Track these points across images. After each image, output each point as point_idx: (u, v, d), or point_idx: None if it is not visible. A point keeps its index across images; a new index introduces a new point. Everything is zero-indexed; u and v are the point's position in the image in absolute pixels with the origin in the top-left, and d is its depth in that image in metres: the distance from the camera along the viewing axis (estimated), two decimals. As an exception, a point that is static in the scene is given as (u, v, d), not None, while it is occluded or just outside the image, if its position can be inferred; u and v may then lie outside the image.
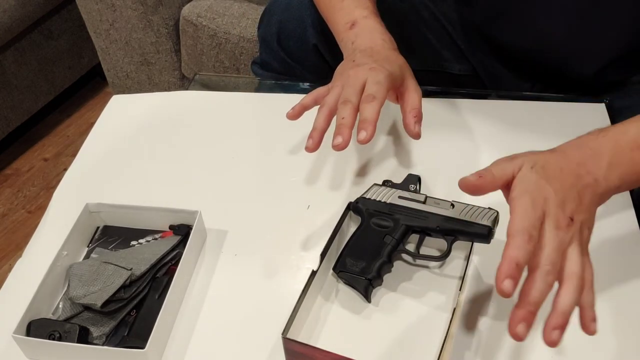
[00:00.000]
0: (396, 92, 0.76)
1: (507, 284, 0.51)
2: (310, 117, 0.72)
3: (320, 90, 0.77)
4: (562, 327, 0.52)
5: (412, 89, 0.75)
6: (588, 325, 0.55)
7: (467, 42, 0.96)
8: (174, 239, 0.73)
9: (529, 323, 0.51)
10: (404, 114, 0.74)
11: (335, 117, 0.70)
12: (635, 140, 0.64)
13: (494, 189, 0.61)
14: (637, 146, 0.64)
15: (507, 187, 0.60)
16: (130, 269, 0.68)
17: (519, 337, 0.51)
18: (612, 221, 0.73)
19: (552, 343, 0.51)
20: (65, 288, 0.70)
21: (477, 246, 0.70)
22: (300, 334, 0.65)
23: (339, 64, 0.79)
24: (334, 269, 0.68)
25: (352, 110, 0.68)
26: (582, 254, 0.56)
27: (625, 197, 0.75)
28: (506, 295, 0.51)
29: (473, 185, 0.60)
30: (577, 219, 0.57)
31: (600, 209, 0.74)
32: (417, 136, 0.73)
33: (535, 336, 0.63)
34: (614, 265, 0.69)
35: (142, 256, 0.71)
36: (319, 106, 0.73)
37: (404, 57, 0.78)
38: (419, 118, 0.73)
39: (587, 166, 0.61)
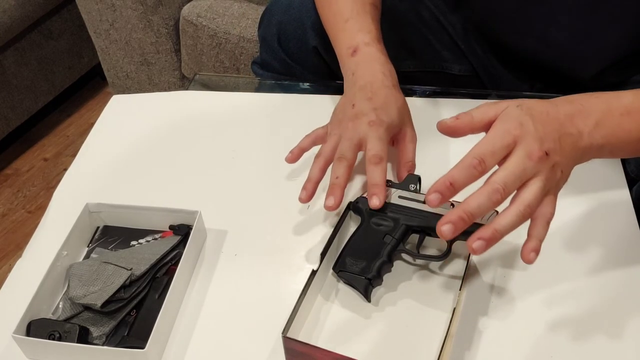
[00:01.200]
0: (393, 138, 0.77)
1: (433, 197, 0.54)
2: (299, 126, 0.73)
3: (318, 132, 0.78)
4: (487, 240, 0.53)
5: (409, 138, 0.77)
6: (527, 254, 0.55)
7: (467, 42, 0.96)
8: (174, 239, 0.73)
9: (457, 228, 0.53)
10: (399, 165, 0.76)
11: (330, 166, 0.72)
12: (626, 106, 0.64)
13: (472, 132, 0.61)
14: (628, 112, 0.64)
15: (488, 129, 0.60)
16: (130, 269, 0.68)
17: (443, 234, 0.53)
18: (612, 221, 0.73)
19: (472, 249, 0.53)
20: (65, 288, 0.70)
21: (477, 246, 0.70)
22: (300, 334, 0.65)
23: (340, 69, 0.78)
24: (334, 268, 0.69)
25: (347, 168, 0.70)
26: (546, 191, 0.56)
27: (625, 197, 0.75)
28: (430, 204, 0.54)
29: (448, 127, 0.61)
30: (553, 157, 0.57)
31: (600, 209, 0.75)
32: None
33: (536, 336, 0.64)
34: (614, 265, 0.69)
35: (142, 256, 0.71)
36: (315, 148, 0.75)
37: (402, 93, 0.78)
38: (412, 171, 0.75)
39: (574, 119, 0.61)
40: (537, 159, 0.56)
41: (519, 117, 0.58)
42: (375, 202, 0.68)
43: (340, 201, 0.69)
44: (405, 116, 0.77)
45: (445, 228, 0.53)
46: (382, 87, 0.76)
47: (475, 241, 0.53)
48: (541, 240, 0.56)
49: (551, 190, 0.58)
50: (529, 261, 0.55)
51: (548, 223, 0.57)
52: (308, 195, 0.71)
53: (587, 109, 0.63)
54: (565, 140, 0.59)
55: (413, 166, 0.76)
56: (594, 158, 0.65)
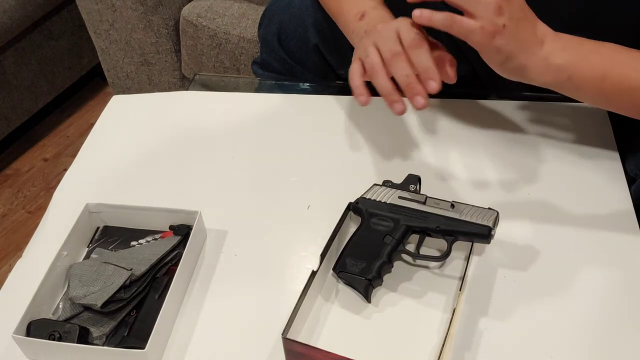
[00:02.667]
0: None
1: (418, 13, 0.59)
2: (299, 126, 0.72)
3: (355, 68, 0.70)
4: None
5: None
6: (416, 99, 0.62)
7: (467, 42, 0.96)
8: (174, 239, 0.73)
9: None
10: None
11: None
12: (599, 46, 0.68)
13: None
14: (597, 51, 0.67)
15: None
16: (130, 269, 0.68)
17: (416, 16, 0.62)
18: (612, 221, 0.73)
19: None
20: (65, 288, 0.70)
21: (477, 246, 0.70)
22: (300, 334, 0.65)
23: (341, 67, 0.78)
24: (334, 269, 0.68)
25: (407, 62, 0.65)
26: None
27: (625, 197, 0.75)
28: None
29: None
30: (506, 12, 0.62)
31: (600, 209, 0.75)
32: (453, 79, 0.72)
33: (536, 336, 0.64)
34: (614, 265, 0.69)
35: (142, 256, 0.71)
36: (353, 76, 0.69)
37: None
38: (453, 63, 0.72)
39: (546, 36, 0.66)
40: (493, 11, 0.61)
41: None
42: (432, 86, 0.64)
43: (426, 94, 0.64)
44: None
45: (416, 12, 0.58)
46: None
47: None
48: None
49: (482, 12, 0.62)
50: (421, 105, 0.62)
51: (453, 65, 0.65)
52: (398, 104, 0.66)
53: (561, 36, 0.66)
54: (525, 25, 0.64)
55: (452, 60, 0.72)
56: (550, 84, 0.68)
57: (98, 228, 0.77)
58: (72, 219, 0.73)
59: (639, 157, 0.79)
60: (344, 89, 0.95)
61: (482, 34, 0.63)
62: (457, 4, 0.62)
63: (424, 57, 0.65)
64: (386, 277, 0.68)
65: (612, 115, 0.85)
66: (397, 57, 0.66)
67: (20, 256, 0.76)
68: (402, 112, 0.66)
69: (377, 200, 0.71)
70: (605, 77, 0.67)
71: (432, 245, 0.72)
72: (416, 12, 0.64)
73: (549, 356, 0.62)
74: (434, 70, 0.65)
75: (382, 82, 0.66)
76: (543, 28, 0.67)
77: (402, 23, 0.69)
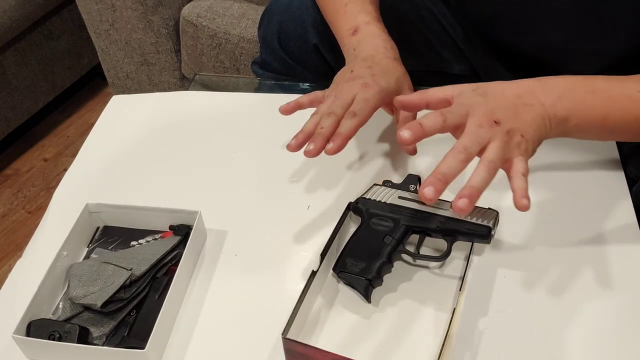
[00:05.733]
0: (390, 105, 0.77)
1: (427, 190, 0.57)
2: (299, 126, 0.72)
3: (317, 93, 0.77)
4: (469, 197, 0.57)
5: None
6: (519, 200, 0.58)
7: (467, 42, 0.96)
8: (174, 239, 0.73)
9: (437, 189, 0.57)
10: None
11: None
12: (592, 85, 0.68)
13: (426, 107, 0.68)
14: (593, 91, 0.67)
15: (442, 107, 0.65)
16: (130, 269, 0.68)
17: (425, 198, 0.57)
18: (612, 221, 0.73)
19: (458, 209, 0.56)
20: (65, 288, 0.70)
21: (477, 246, 0.70)
22: (300, 334, 0.65)
23: (341, 67, 0.79)
24: (334, 269, 0.68)
25: (334, 122, 0.69)
26: (508, 152, 0.61)
27: (625, 198, 0.75)
28: (424, 197, 0.57)
29: (401, 102, 0.69)
30: (505, 124, 0.61)
31: (600, 209, 0.75)
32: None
33: (536, 336, 0.64)
34: (614, 266, 0.69)
35: (142, 256, 0.71)
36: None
37: (403, 65, 0.79)
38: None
39: (536, 92, 0.65)
40: (487, 127, 0.61)
41: (471, 98, 0.63)
42: (329, 146, 0.67)
43: (321, 149, 0.68)
44: (404, 83, 0.77)
45: (427, 190, 0.57)
46: (383, 58, 0.77)
47: (458, 200, 0.57)
48: (525, 190, 0.59)
49: (514, 151, 0.61)
50: (524, 206, 0.58)
51: (525, 176, 0.60)
52: (298, 143, 0.70)
53: (551, 85, 0.66)
54: (522, 110, 0.63)
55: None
56: (564, 134, 0.68)
57: (98, 228, 0.77)
58: (72, 219, 0.73)
59: (639, 159, 0.79)
60: (344, 89, 0.95)
61: (502, 151, 0.61)
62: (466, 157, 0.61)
63: (345, 126, 0.69)
64: (386, 277, 0.68)
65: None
66: (330, 116, 0.70)
67: (20, 256, 0.76)
68: (292, 149, 0.70)
69: (377, 200, 0.71)
70: (608, 115, 0.67)
71: (432, 245, 0.72)
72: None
73: (549, 356, 0.62)
74: (342, 138, 0.67)
75: (309, 123, 0.71)
76: (526, 86, 0.66)
77: (362, 93, 0.72)
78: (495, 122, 0.61)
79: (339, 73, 0.78)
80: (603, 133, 0.70)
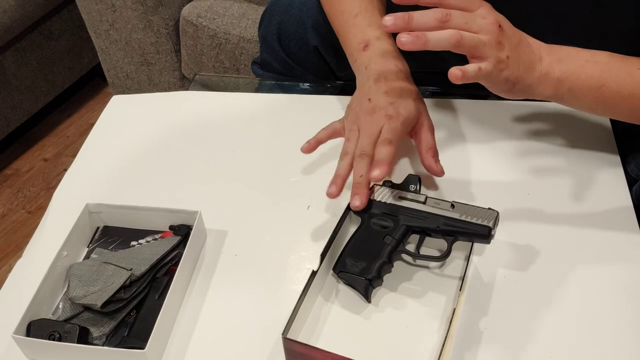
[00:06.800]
0: (410, 131, 0.78)
1: (387, 18, 0.60)
2: (300, 126, 0.73)
3: (335, 125, 0.78)
4: (414, 36, 0.60)
5: (426, 127, 0.77)
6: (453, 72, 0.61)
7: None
8: (174, 239, 0.73)
9: (399, 20, 0.60)
10: (422, 154, 0.76)
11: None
12: (595, 56, 0.69)
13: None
14: (594, 61, 0.69)
15: None
16: (130, 269, 0.68)
17: (401, 43, 0.60)
18: (612, 221, 0.73)
19: (400, 42, 0.60)
20: (65, 288, 0.70)
21: (477, 246, 0.70)
22: (300, 334, 0.65)
23: (341, 69, 0.79)
24: (334, 269, 0.68)
25: (368, 165, 0.70)
26: (486, 50, 0.63)
27: (625, 197, 0.75)
28: (384, 23, 0.60)
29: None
30: (505, 36, 0.64)
31: (600, 209, 0.75)
32: (440, 173, 0.75)
33: (536, 336, 0.64)
34: (614, 265, 0.69)
35: (142, 256, 0.71)
36: (340, 150, 0.75)
37: (407, 64, 0.79)
38: (437, 157, 0.76)
39: (541, 49, 0.68)
40: (490, 22, 0.62)
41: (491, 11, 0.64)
42: (375, 173, 0.68)
43: (367, 200, 0.70)
44: (420, 107, 0.78)
45: (403, 39, 0.59)
46: (396, 79, 0.77)
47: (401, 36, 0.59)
48: (470, 71, 0.61)
49: (490, 53, 0.63)
50: (455, 75, 0.60)
51: (481, 71, 0.62)
52: (338, 189, 0.71)
53: (556, 48, 0.68)
54: (523, 48, 0.65)
55: (436, 152, 0.76)
56: (556, 97, 0.69)
57: (98, 228, 0.77)
58: (72, 219, 0.73)
59: (639, 157, 0.79)
60: (344, 89, 0.95)
61: (490, 73, 0.64)
62: (462, 52, 0.63)
63: (384, 153, 0.70)
64: (386, 277, 0.68)
65: (612, 116, 0.85)
66: (363, 158, 0.71)
67: (20, 256, 0.76)
68: (333, 196, 0.71)
69: (377, 200, 0.71)
70: (603, 85, 0.69)
71: (432, 245, 0.72)
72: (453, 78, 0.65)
73: (549, 356, 0.62)
74: (385, 164, 0.69)
75: (343, 166, 0.73)
76: (537, 43, 0.68)
77: (388, 124, 0.73)
78: (500, 26, 0.63)
79: (353, 100, 0.78)
80: (597, 104, 0.71)
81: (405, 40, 0.59)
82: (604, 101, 0.70)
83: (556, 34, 0.83)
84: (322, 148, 0.78)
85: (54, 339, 0.63)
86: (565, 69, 0.68)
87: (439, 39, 0.61)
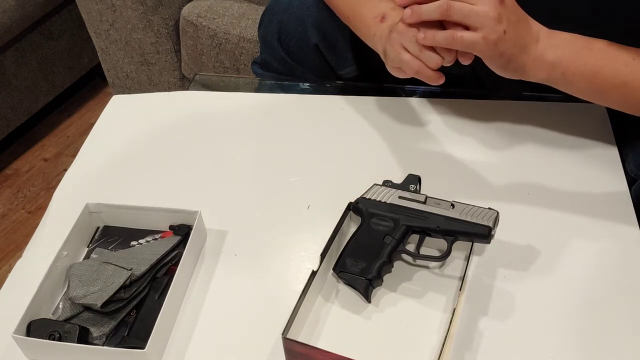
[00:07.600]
0: None
1: None
2: (299, 126, 0.72)
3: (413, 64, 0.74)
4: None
5: None
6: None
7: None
8: (174, 239, 0.73)
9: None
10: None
11: None
12: (592, 43, 0.70)
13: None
14: (590, 48, 0.70)
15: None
16: (130, 269, 0.68)
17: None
18: (612, 221, 0.73)
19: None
20: (65, 288, 0.70)
21: (477, 246, 0.70)
22: (300, 334, 0.65)
23: (340, 67, 0.78)
24: (334, 269, 0.68)
25: (433, 50, 0.69)
26: (480, 20, 0.65)
27: (625, 197, 0.75)
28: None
29: None
30: (503, 12, 0.65)
31: (600, 209, 0.75)
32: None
33: (536, 336, 0.64)
34: (613, 266, 0.69)
35: (142, 256, 0.71)
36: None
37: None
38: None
39: (540, 33, 0.68)
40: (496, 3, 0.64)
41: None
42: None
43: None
44: None
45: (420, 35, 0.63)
46: None
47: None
48: (445, 39, 0.65)
49: (484, 24, 0.64)
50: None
51: (461, 41, 0.65)
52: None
53: (555, 33, 0.69)
54: (522, 27, 0.66)
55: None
56: (550, 81, 0.70)
57: (98, 228, 0.77)
58: (72, 219, 0.73)
59: (639, 157, 0.79)
60: (344, 89, 0.95)
61: (485, 43, 0.65)
62: (456, 21, 0.64)
63: (440, 37, 0.69)
64: (386, 277, 0.68)
65: (612, 116, 0.85)
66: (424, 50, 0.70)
67: (20, 256, 0.76)
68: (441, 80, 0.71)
69: (377, 200, 0.71)
70: (597, 73, 0.69)
71: (432, 245, 0.72)
72: (420, 35, 0.67)
73: (549, 356, 0.62)
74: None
75: (429, 63, 0.70)
76: (536, 26, 0.69)
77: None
78: (502, 0, 0.64)
79: (384, 52, 0.76)
80: (590, 91, 0.72)
81: (406, 15, 0.64)
82: (597, 88, 0.71)
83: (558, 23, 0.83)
84: (322, 149, 0.78)
85: (54, 339, 0.63)
86: (559, 54, 0.69)
87: (428, 11, 0.64)
